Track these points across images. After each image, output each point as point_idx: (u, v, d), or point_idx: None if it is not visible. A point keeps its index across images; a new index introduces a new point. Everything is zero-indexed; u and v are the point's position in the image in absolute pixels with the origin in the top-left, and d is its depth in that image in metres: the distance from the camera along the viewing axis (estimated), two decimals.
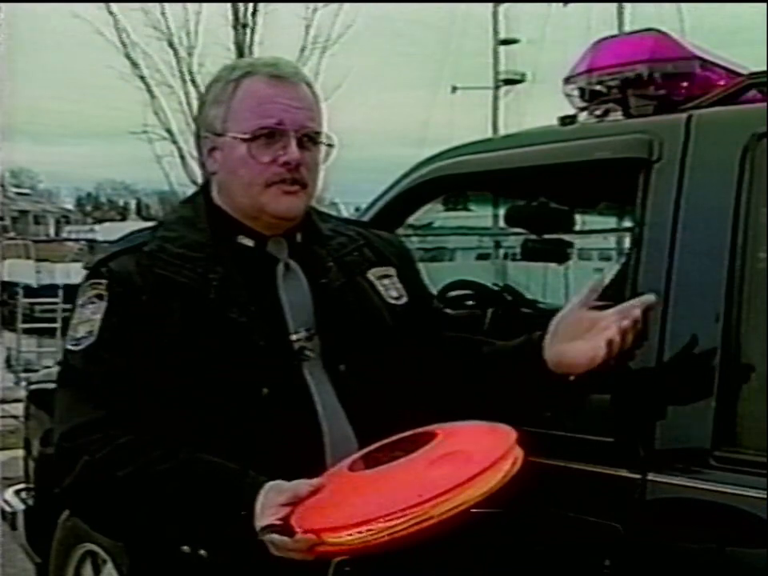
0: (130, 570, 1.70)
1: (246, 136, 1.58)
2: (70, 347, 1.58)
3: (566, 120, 2.20)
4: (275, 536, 1.36)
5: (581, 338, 1.61)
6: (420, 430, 1.52)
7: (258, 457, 1.49)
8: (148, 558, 1.61)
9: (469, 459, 1.39)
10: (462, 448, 1.42)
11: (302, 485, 1.42)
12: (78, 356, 1.56)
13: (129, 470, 1.46)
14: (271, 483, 1.43)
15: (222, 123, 1.62)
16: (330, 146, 1.66)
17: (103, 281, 1.58)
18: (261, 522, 1.39)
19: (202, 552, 1.48)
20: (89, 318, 1.57)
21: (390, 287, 1.74)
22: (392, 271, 1.77)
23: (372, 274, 1.74)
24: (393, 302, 1.73)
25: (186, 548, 1.49)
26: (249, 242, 1.64)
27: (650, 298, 1.66)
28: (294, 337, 1.59)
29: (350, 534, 1.32)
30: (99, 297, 1.58)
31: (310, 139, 1.61)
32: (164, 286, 1.56)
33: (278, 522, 1.37)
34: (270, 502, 1.40)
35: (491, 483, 1.36)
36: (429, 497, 1.32)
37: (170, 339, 1.53)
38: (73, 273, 18.21)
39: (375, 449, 1.50)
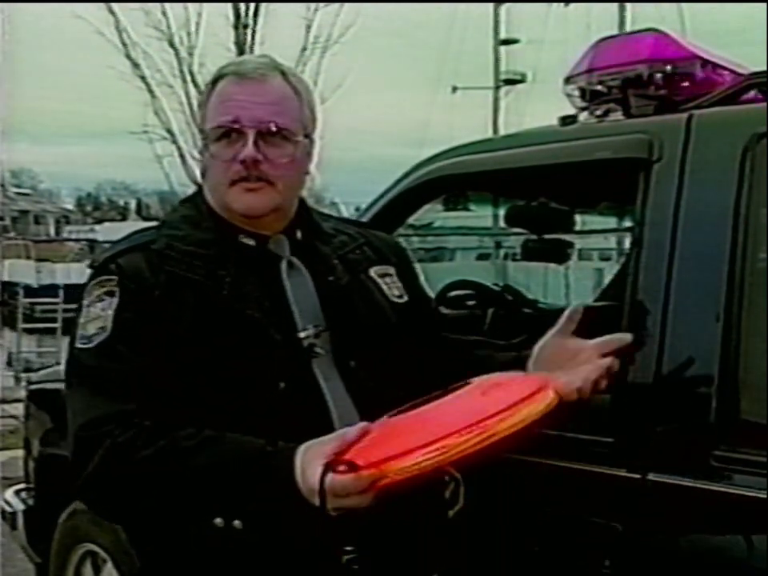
0: (153, 556, 1.67)
1: (210, 136, 1.60)
2: (80, 346, 1.55)
3: (566, 120, 2.20)
4: (339, 477, 1.33)
5: (560, 367, 1.64)
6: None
7: None
8: (179, 537, 1.57)
9: (519, 386, 1.44)
10: (505, 381, 1.47)
11: (347, 429, 1.41)
12: (91, 353, 1.54)
13: (154, 449, 1.44)
14: (306, 443, 1.42)
15: (202, 126, 1.64)
16: (306, 136, 1.65)
17: (113, 277, 1.57)
18: (309, 473, 1.37)
19: (236, 523, 1.47)
20: (99, 315, 1.55)
21: (391, 285, 1.76)
22: (392, 270, 1.78)
23: (374, 272, 1.75)
24: (395, 299, 1.74)
25: (218, 520, 1.47)
26: (250, 242, 1.65)
27: (626, 336, 1.71)
28: (302, 334, 1.60)
29: (417, 458, 1.32)
30: (109, 293, 1.56)
31: (275, 134, 1.60)
32: (176, 282, 1.56)
33: (341, 459, 1.34)
34: (315, 454, 1.39)
35: (546, 401, 1.43)
36: (495, 411, 1.35)
37: (185, 335, 1.52)
38: (73, 273, 18.24)
39: (407, 407, 1.49)
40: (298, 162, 1.64)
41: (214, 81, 1.63)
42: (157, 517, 1.53)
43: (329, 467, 1.34)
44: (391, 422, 1.43)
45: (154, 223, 1.76)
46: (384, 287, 1.74)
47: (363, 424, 1.43)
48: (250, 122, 1.58)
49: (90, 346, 1.54)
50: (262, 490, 1.41)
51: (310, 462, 1.38)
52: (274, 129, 1.59)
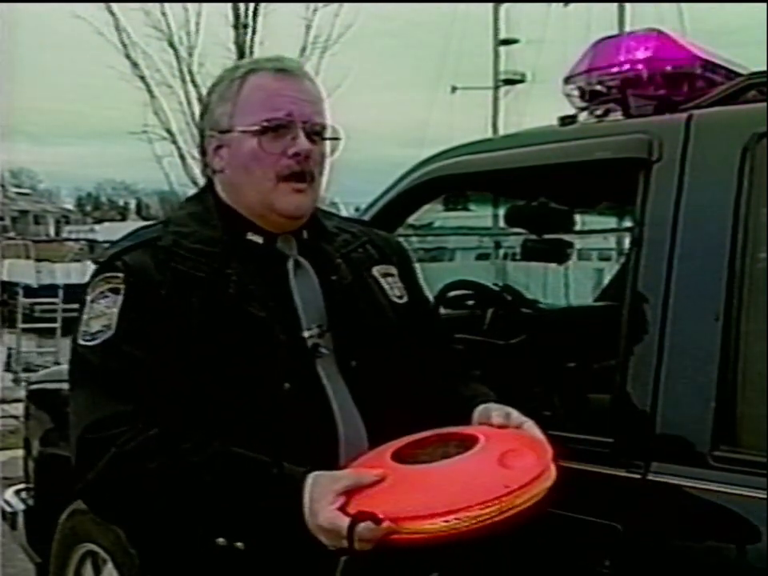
0: (155, 566, 1.67)
1: (256, 128, 1.59)
2: (83, 343, 1.54)
3: (566, 120, 2.20)
4: (363, 525, 1.33)
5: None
6: (450, 429, 1.54)
7: (275, 450, 1.47)
8: (180, 552, 1.57)
9: (534, 458, 1.46)
10: (517, 447, 1.48)
11: (364, 473, 1.42)
12: (94, 351, 1.52)
13: (159, 462, 1.44)
14: (316, 473, 1.42)
15: (228, 119, 1.62)
16: (335, 139, 1.67)
17: (119, 274, 1.56)
18: (318, 509, 1.37)
19: (239, 544, 1.46)
20: (103, 312, 1.54)
21: (393, 285, 1.76)
22: (393, 270, 1.78)
23: (376, 271, 1.75)
24: (396, 300, 1.74)
25: (221, 540, 1.47)
26: (258, 239, 1.65)
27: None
28: (306, 333, 1.60)
29: (436, 522, 1.33)
30: (114, 291, 1.55)
31: (316, 133, 1.62)
32: (182, 280, 1.55)
33: (368, 511, 1.34)
34: (324, 490, 1.39)
35: (551, 479, 1.46)
36: (515, 487, 1.37)
37: (191, 333, 1.52)
38: (73, 273, 18.26)
39: (410, 443, 1.50)
40: (326, 162, 1.66)
41: (243, 75, 1.63)
42: (160, 527, 1.53)
43: (356, 520, 1.34)
44: (406, 473, 1.42)
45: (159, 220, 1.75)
46: (386, 287, 1.74)
47: (379, 470, 1.42)
48: (301, 118, 1.60)
49: (94, 343, 1.53)
50: (268, 517, 1.41)
51: (319, 498, 1.38)
52: (319, 127, 1.62)
